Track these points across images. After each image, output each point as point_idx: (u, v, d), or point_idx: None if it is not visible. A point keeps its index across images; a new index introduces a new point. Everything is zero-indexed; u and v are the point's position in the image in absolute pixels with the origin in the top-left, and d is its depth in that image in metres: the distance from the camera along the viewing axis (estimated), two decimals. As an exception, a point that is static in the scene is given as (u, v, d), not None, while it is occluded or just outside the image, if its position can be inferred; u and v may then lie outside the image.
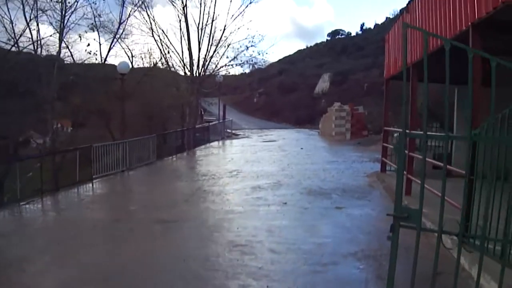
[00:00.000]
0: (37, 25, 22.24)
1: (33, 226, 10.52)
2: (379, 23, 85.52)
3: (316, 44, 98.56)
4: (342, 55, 79.64)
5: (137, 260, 7.23)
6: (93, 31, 24.49)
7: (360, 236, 8.06)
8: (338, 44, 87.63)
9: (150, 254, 7.51)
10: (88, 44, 25.26)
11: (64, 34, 22.65)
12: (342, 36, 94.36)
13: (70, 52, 24.64)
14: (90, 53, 24.73)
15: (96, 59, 27.91)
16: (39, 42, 21.95)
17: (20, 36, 21.34)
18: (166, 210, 10.88)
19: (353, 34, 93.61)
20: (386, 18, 75.88)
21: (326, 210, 10.18)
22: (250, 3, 31.78)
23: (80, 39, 25.76)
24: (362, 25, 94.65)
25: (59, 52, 22.15)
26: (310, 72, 73.98)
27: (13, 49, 21.84)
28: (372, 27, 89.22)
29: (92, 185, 15.73)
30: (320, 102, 59.46)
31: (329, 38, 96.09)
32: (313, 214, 9.82)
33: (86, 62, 27.29)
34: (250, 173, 16.09)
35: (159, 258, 7.28)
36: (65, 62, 25.25)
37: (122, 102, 20.47)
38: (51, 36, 22.66)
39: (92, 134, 27.18)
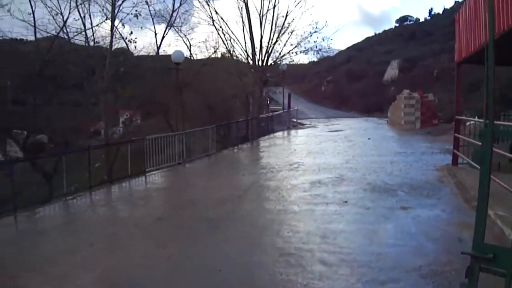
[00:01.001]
0: (90, 17, 21.82)
1: (71, 224, 10.06)
2: (448, 7, 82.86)
3: (385, 31, 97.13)
4: (411, 41, 77.76)
5: (166, 266, 6.58)
6: (137, 18, 23.63)
7: (428, 244, 6.86)
8: (407, 30, 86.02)
9: (184, 260, 6.79)
10: (131, 33, 24.57)
11: (115, 25, 22.15)
12: (411, 22, 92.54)
13: (126, 43, 24.23)
14: (130, 41, 23.90)
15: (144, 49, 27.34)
16: (92, 33, 21.57)
17: (63, 26, 20.84)
18: (215, 207, 10.06)
19: (421, 19, 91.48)
20: (455, 2, 72.53)
21: (391, 210, 8.96)
22: (313, -13, 30.46)
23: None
24: (431, 10, 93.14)
25: (111, 42, 21.66)
26: (379, 59, 72.76)
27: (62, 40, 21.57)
28: (441, 12, 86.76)
29: (145, 178, 15.19)
30: (389, 89, 58.16)
31: (397, 25, 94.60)
32: (375, 216, 8.64)
33: (142, 53, 26.96)
34: (312, 166, 15.02)
35: (193, 265, 6.52)
36: (120, 51, 24.86)
37: (179, 93, 19.84)
38: (97, 25, 22.11)
39: (160, 125, 26.95)
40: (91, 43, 21.12)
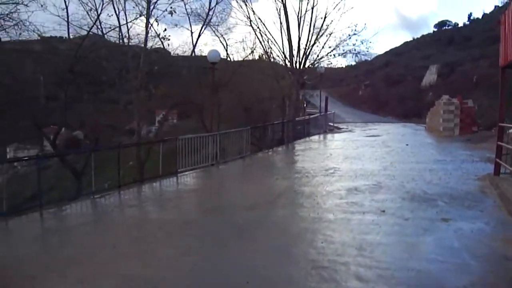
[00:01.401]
0: (125, 13, 21.52)
1: (95, 223, 9.79)
2: (488, 12, 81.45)
3: (423, 36, 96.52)
4: (449, 47, 76.62)
5: (189, 276, 6.14)
6: (171, 15, 23.20)
7: (471, 262, 6.24)
8: (445, 35, 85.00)
9: (208, 270, 6.35)
10: (165, 29, 24.06)
11: (150, 22, 21.82)
12: (449, 27, 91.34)
13: (161, 41, 23.89)
14: (164, 38, 23.45)
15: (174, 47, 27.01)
16: (127, 30, 21.30)
17: (95, 21, 20.58)
18: (246, 213, 9.60)
19: (460, 24, 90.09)
20: (495, 6, 71.10)
21: (431, 222, 8.33)
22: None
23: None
24: (470, 15, 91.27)
25: (145, 40, 21.36)
26: (417, 64, 72.18)
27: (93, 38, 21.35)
28: (480, 16, 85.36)
29: (177, 179, 14.81)
30: (427, 95, 57.40)
31: (435, 29, 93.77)
32: (415, 228, 8.03)
33: (178, 52, 26.63)
34: (348, 171, 14.43)
35: (218, 275, 6.13)
36: (154, 50, 24.52)
37: (214, 93, 19.50)
38: (131, 21, 21.65)
39: (196, 126, 26.69)
40: (125, 40, 20.95)
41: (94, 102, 25.29)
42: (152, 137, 35.88)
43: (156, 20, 22.17)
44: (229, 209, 10.18)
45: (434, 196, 10.40)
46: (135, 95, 19.49)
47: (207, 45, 34.29)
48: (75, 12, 22.24)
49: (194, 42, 25.68)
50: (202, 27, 26.13)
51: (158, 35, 22.54)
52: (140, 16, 21.22)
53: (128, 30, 21.02)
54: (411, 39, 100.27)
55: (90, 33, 20.16)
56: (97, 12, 20.32)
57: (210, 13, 26.48)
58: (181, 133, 20.64)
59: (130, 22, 20.97)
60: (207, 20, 26.14)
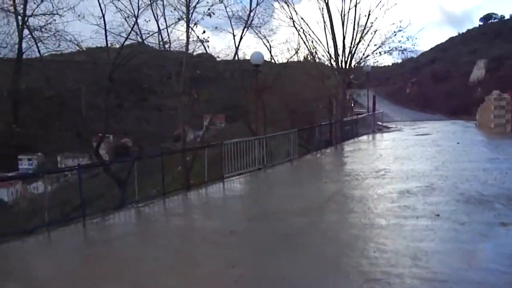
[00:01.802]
0: (164, 19, 21.24)
1: (138, 234, 9.53)
2: None
3: (468, 30, 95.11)
4: (496, 40, 74.26)
5: None
6: (210, 16, 22.75)
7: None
8: (492, 29, 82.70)
9: (254, 283, 6.05)
10: (204, 31, 23.56)
11: (191, 27, 21.43)
12: (495, 20, 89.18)
13: (204, 46, 23.53)
14: (203, 41, 22.95)
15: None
16: (167, 35, 21.04)
17: (133, 26, 20.36)
18: (293, 220, 9.16)
19: (507, 17, 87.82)
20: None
21: (489, 227, 7.72)
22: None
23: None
24: None
25: (187, 44, 21.02)
26: (463, 59, 70.62)
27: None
28: None
29: (223, 185, 14.45)
30: (476, 90, 56.00)
31: (481, 23, 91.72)
32: (472, 233, 7.45)
33: (221, 55, 26.28)
34: (399, 172, 13.82)
35: None
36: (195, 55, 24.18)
37: (258, 96, 19.10)
38: (169, 26, 21.32)
39: (244, 129, 26.38)
40: (166, 46, 20.74)
41: (141, 109, 25.29)
42: (200, 142, 35.91)
43: (196, 24, 21.89)
44: (276, 215, 9.75)
45: (491, 198, 9.75)
46: (178, 101, 19.25)
47: (251, 48, 34.06)
48: (112, 20, 21.90)
49: (237, 45, 25.24)
50: (243, 29, 25.61)
51: (200, 40, 22.30)
52: (180, 20, 20.98)
53: (168, 35, 20.81)
54: (456, 34, 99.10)
55: (129, 40, 20.06)
56: (135, 18, 20.18)
57: (251, 14, 25.91)
58: (228, 137, 20.41)
59: (170, 26, 20.65)
60: (248, 22, 25.63)
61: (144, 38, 20.03)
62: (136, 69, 22.23)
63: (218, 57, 26.21)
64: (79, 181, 10.82)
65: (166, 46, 20.59)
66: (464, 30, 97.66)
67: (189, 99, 19.65)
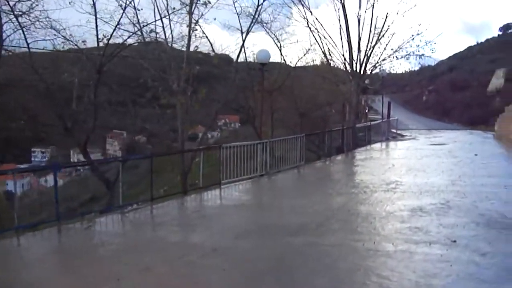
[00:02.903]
0: (169, 16, 19.71)
1: (105, 246, 8.33)
2: None
3: (487, 40, 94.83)
4: None
5: None
6: (205, 6, 21.17)
7: None
8: (511, 38, 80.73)
9: None
10: (196, 22, 21.85)
11: (193, 24, 19.96)
12: None
13: (210, 43, 22.28)
14: (196, 36, 21.37)
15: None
16: (170, 30, 19.69)
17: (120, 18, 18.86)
18: (289, 239, 8.00)
19: None
20: None
21: (517, 260, 6.49)
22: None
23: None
24: None
25: (188, 40, 19.70)
26: (482, 69, 70.19)
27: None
28: None
29: (220, 192, 13.41)
30: (494, 100, 55.14)
31: (500, 33, 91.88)
32: (496, 268, 6.20)
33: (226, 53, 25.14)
34: (412, 186, 12.64)
35: None
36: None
37: (266, 97, 17.97)
38: (167, 16, 19.67)
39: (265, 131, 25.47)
40: (166, 40, 19.43)
41: (155, 107, 24.14)
42: (211, 143, 35.00)
43: (202, 16, 20.48)
44: (269, 232, 8.57)
45: (516, 222, 8.53)
46: (177, 100, 18.07)
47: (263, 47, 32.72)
48: (104, 9, 19.74)
49: (243, 40, 23.87)
50: (250, 24, 24.30)
51: (206, 35, 21.01)
52: (177, 10, 19.47)
53: (171, 31, 19.53)
54: (475, 43, 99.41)
55: (123, 30, 18.63)
56: (137, 16, 18.81)
57: (259, 9, 24.57)
58: (241, 138, 19.45)
59: (166, 17, 19.12)
60: (256, 17, 24.30)
61: (140, 28, 18.58)
62: (132, 64, 21.13)
63: (225, 54, 25.16)
64: (55, 182, 9.74)
65: (169, 40, 19.34)
66: (482, 40, 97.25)
67: (189, 98, 18.44)
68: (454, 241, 7.34)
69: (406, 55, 27.63)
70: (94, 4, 17.86)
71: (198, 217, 10.73)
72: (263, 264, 6.71)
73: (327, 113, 33.12)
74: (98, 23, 18.06)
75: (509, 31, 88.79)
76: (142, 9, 19.31)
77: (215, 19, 25.34)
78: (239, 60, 24.57)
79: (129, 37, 18.65)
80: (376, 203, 10.68)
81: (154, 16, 19.41)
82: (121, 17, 18.21)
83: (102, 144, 61.26)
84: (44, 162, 62.14)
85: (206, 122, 26.93)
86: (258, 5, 24.16)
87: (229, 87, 23.46)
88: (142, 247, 8.01)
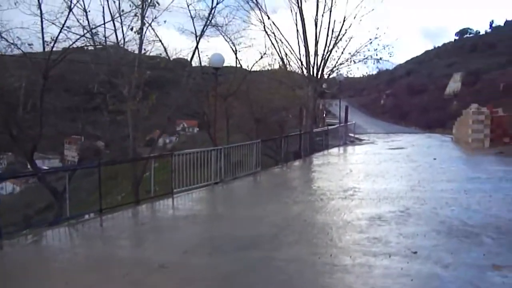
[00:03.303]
0: (120, 17, 18.99)
1: (47, 262, 7.80)
2: (511, 19, 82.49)
3: (444, 44, 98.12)
4: (472, 54, 75.98)
5: None
6: (154, 7, 20.48)
7: None
8: (467, 43, 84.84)
9: None
10: (131, 28, 21.25)
11: (144, 28, 19.36)
12: (471, 35, 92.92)
13: (163, 45, 21.68)
14: (136, 33, 20.54)
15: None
16: (122, 33, 19.03)
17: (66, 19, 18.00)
18: (240, 253, 7.58)
19: (482, 32, 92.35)
20: (518, 14, 72.31)
21: (479, 271, 6.21)
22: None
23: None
24: (491, 22, 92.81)
25: (140, 45, 19.11)
26: (439, 73, 72.22)
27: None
28: (503, 24, 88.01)
29: (173, 201, 12.87)
30: (452, 104, 56.18)
31: (457, 37, 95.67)
32: (459, 282, 5.88)
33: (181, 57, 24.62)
34: (370, 192, 12.39)
35: None
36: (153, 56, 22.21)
37: (219, 102, 17.54)
38: (115, 20, 18.95)
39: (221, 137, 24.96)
40: (114, 43, 18.73)
41: (115, 112, 23.36)
42: (169, 148, 34.27)
43: (150, 25, 19.82)
44: (222, 246, 8.11)
45: (477, 229, 8.32)
46: (126, 105, 17.41)
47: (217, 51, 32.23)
48: (50, 10, 18.70)
49: (197, 44, 23.38)
50: (203, 27, 23.87)
51: (159, 39, 20.42)
52: (128, 13, 18.75)
53: (122, 29, 18.81)
54: (432, 47, 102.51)
55: (72, 34, 17.82)
56: (87, 20, 17.99)
57: (213, 12, 24.21)
58: (199, 144, 18.93)
59: (114, 19, 18.40)
60: (209, 20, 23.87)
61: (89, 30, 17.83)
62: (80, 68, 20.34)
63: (180, 58, 24.61)
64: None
65: (121, 43, 18.69)
66: (440, 44, 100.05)
67: (138, 104, 17.81)
68: (415, 252, 7.05)
69: (364, 59, 27.49)
70: (39, 4, 17.06)
71: (148, 229, 10.15)
72: (213, 283, 6.28)
73: (284, 118, 32.85)
74: (44, 26, 17.29)
75: (466, 36, 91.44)
76: (90, 11, 18.61)
77: (165, 21, 24.67)
78: (194, 65, 24.18)
79: (76, 40, 17.85)
80: (333, 212, 10.33)
81: (104, 19, 18.76)
82: (67, 18, 17.45)
83: (62, 149, 60.44)
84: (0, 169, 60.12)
85: (161, 128, 26.43)
86: (212, 8, 23.80)
87: (182, 92, 22.90)
88: (87, 264, 7.51)
